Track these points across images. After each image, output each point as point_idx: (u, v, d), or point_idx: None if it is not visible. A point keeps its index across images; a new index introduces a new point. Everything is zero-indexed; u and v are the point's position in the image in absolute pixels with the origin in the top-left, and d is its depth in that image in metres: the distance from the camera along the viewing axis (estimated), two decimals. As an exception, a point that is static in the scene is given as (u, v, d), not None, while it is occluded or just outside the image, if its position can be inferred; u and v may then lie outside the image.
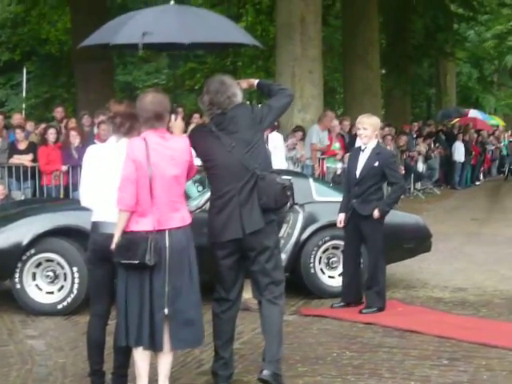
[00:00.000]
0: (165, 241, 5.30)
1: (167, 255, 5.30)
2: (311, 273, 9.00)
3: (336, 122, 16.42)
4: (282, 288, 5.88)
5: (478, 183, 28.43)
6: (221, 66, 29.70)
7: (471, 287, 9.84)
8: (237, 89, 5.85)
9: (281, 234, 8.76)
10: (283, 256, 8.83)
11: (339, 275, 9.12)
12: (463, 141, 26.08)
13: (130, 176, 5.30)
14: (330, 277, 9.19)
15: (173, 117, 5.85)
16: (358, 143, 9.74)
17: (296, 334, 7.48)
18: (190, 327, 5.39)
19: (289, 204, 9.03)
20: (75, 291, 8.23)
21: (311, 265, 9.00)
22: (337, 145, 16.22)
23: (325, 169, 15.86)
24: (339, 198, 9.37)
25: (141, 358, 5.39)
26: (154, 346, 5.34)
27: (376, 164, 8.31)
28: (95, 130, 14.58)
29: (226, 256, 5.76)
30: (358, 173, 8.39)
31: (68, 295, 8.27)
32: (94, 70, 20.21)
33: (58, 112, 15.65)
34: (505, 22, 38.23)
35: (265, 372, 5.60)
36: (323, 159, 15.88)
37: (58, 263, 8.30)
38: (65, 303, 8.27)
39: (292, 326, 7.79)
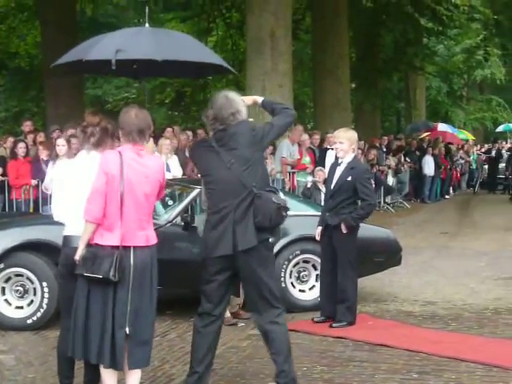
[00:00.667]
0: (129, 258, 5.28)
1: (131, 273, 5.27)
2: (282, 287, 9.00)
3: (306, 136, 16.50)
4: (281, 306, 5.95)
5: (447, 197, 28.60)
6: (191, 80, 29.71)
7: (441, 301, 9.88)
8: (241, 106, 5.88)
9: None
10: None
11: (309, 289, 9.15)
12: (433, 155, 26.24)
13: (99, 188, 5.28)
14: (300, 290, 9.20)
15: None
16: (329, 157, 9.84)
17: (265, 349, 7.45)
18: (145, 347, 5.40)
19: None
20: (45, 306, 8.18)
21: (282, 279, 9.00)
22: (307, 159, 16.28)
23: (295, 183, 15.90)
24: (309, 211, 9.44)
25: (107, 375, 5.36)
26: (115, 365, 5.30)
27: (349, 178, 8.34)
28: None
29: (217, 272, 5.78)
30: (332, 186, 8.48)
31: (37, 310, 8.20)
32: (64, 84, 20.13)
33: (27, 126, 15.56)
34: (474, 37, 38.49)
35: None
36: (293, 173, 15.92)
37: (28, 278, 8.24)
38: (34, 318, 8.20)
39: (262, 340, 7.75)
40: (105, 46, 7.07)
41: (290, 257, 9.08)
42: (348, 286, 8.31)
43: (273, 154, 15.30)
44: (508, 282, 11.32)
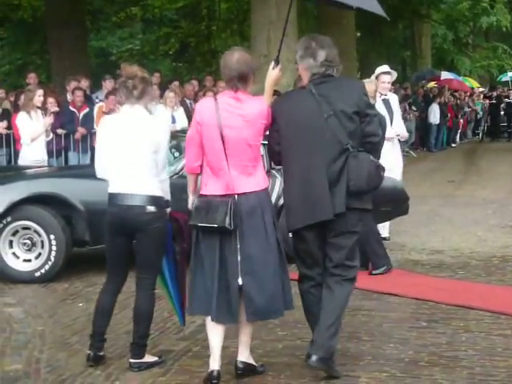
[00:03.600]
0: (235, 206, 5.10)
1: (238, 221, 5.10)
2: (289, 237, 8.96)
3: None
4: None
5: (453, 145, 28.54)
6: (195, 31, 29.55)
7: (448, 249, 9.90)
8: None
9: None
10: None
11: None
12: (439, 103, 26.12)
13: (190, 138, 5.25)
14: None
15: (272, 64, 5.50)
16: None
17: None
18: (264, 298, 5.17)
19: (266, 168, 9.07)
20: (53, 259, 8.21)
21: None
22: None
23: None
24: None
25: (211, 330, 5.27)
26: (230, 318, 5.20)
27: None
28: (69, 97, 14.47)
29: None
30: None
31: (45, 263, 8.23)
32: (68, 35, 19.98)
33: (31, 78, 15.50)
34: (480, -16, 38.15)
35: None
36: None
37: (35, 231, 8.26)
38: (42, 271, 8.24)
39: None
40: None
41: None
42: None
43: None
44: (515, 230, 11.33)
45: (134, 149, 5.37)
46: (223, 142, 5.11)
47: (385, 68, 10.37)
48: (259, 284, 5.14)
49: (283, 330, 6.46)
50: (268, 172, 8.88)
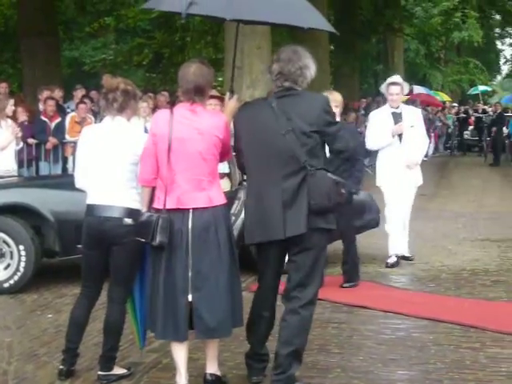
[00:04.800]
0: (187, 221, 5.05)
1: (189, 236, 5.05)
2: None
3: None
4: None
5: (425, 159, 28.61)
6: (169, 42, 29.50)
7: (419, 262, 9.94)
8: (310, 61, 5.28)
9: (232, 211, 8.75)
10: (234, 233, 8.84)
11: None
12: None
13: (146, 150, 5.19)
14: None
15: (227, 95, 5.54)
16: None
17: (246, 311, 7.45)
18: (216, 314, 5.11)
19: (239, 180, 9.07)
20: (22, 269, 8.14)
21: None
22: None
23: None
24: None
25: (174, 345, 5.22)
26: (177, 336, 5.14)
27: None
28: (41, 107, 14.41)
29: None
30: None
31: (14, 273, 8.17)
32: (40, 45, 19.91)
33: (2, 87, 15.42)
34: (451, -1, 38.52)
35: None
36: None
37: (4, 241, 8.19)
38: (11, 281, 8.17)
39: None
40: None
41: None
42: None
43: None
44: (485, 244, 11.40)
45: (113, 160, 5.36)
46: (173, 154, 5.06)
47: (393, 78, 9.83)
48: (209, 302, 5.09)
49: (253, 343, 6.44)
50: (240, 184, 8.93)
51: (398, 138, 9.43)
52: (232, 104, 5.47)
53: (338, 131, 5.29)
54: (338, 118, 8.17)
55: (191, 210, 5.06)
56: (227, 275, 5.14)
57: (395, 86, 9.49)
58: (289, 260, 5.33)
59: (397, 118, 9.49)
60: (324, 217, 5.16)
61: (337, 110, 8.07)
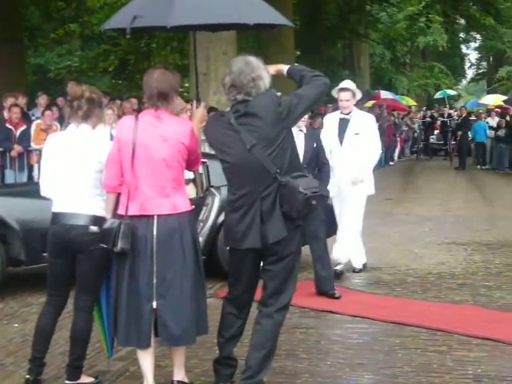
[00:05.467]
0: (152, 227, 5.02)
1: (154, 243, 5.02)
2: (228, 255, 8.98)
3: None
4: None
5: (391, 164, 28.87)
6: (135, 48, 29.43)
7: (385, 266, 9.99)
8: (263, 71, 5.15)
9: (200, 218, 8.75)
10: (200, 239, 8.83)
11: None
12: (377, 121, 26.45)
13: (111, 156, 5.15)
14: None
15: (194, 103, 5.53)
16: None
17: (213, 317, 7.38)
18: (181, 322, 5.08)
19: (205, 186, 9.07)
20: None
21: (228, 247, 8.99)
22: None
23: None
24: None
25: (140, 353, 5.19)
26: (140, 343, 5.11)
27: (315, 145, 8.22)
28: (5, 114, 14.31)
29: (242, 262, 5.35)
30: (301, 157, 8.04)
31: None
32: (5, 52, 19.75)
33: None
34: (416, 4, 38.75)
35: None
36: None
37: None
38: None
39: (209, 308, 7.71)
40: (125, 11, 6.72)
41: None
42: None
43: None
44: (451, 247, 11.50)
45: (78, 168, 5.32)
46: (136, 160, 5.04)
47: (343, 84, 9.41)
48: (174, 309, 5.06)
49: (221, 349, 6.44)
50: (207, 190, 8.93)
51: (338, 144, 9.19)
52: (199, 112, 5.46)
53: (298, 100, 5.14)
54: (304, 124, 8.28)
55: (156, 217, 5.04)
56: (192, 282, 5.11)
57: (345, 92, 9.15)
58: (264, 269, 5.30)
59: (343, 124, 9.21)
60: (295, 223, 5.16)
61: (305, 118, 8.15)
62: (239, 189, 5.12)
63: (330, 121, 9.51)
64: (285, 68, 5.46)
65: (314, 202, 5.06)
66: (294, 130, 7.97)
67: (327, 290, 8.27)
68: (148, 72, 5.24)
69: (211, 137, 5.26)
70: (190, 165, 5.30)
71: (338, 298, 8.18)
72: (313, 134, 8.32)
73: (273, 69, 5.42)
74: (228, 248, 5.49)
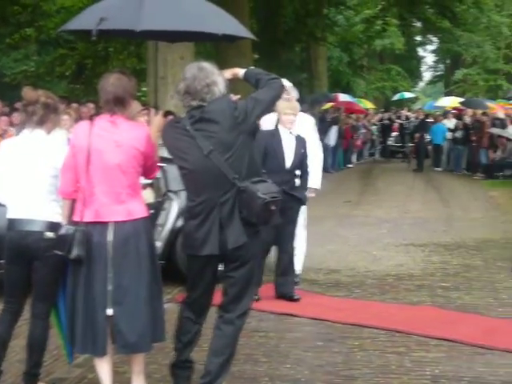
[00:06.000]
0: (106, 234, 4.98)
1: (109, 250, 4.97)
2: (186, 260, 8.96)
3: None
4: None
5: (350, 166, 29.01)
6: (92, 52, 29.23)
7: (344, 268, 10.03)
8: (217, 76, 5.10)
9: (158, 222, 8.72)
10: (158, 244, 8.81)
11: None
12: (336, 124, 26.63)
13: (66, 162, 5.10)
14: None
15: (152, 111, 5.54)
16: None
17: (171, 322, 7.39)
18: (137, 329, 5.01)
19: (163, 190, 9.04)
20: None
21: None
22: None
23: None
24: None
25: (97, 361, 5.15)
26: (95, 350, 5.06)
27: (303, 150, 8.17)
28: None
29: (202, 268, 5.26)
30: (291, 160, 8.05)
31: None
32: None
33: None
34: (373, 7, 39.02)
35: None
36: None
37: None
38: None
39: (168, 313, 7.69)
40: (91, 13, 6.66)
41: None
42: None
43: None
44: (409, 249, 11.58)
45: (33, 174, 5.26)
46: (91, 166, 5.00)
47: None
48: (129, 316, 5.01)
49: (180, 354, 6.42)
50: (165, 195, 8.90)
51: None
52: (157, 120, 5.45)
53: (254, 104, 5.10)
54: (294, 127, 8.11)
55: (111, 224, 5.00)
56: (148, 289, 5.07)
57: None
58: (225, 276, 5.25)
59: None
60: (254, 228, 5.12)
61: (294, 118, 8.07)
62: (198, 195, 5.06)
63: (266, 122, 9.23)
64: (241, 72, 5.42)
65: (273, 208, 5.00)
66: (284, 132, 8.07)
67: (287, 292, 8.28)
68: (104, 77, 5.19)
69: (168, 143, 5.18)
70: (147, 171, 5.25)
71: (297, 300, 8.19)
72: (301, 140, 8.21)
73: (229, 73, 5.38)
74: (187, 256, 5.37)
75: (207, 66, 5.12)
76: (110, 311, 5.00)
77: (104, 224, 5.00)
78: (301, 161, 8.17)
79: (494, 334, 7.05)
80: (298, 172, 8.20)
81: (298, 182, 8.23)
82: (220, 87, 5.07)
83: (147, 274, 5.07)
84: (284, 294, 8.28)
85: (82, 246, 4.95)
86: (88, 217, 5.01)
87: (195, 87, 5.00)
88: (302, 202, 8.37)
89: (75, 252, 4.95)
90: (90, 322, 5.01)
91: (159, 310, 5.23)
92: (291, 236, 8.38)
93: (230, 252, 5.07)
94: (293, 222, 8.28)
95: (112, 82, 5.09)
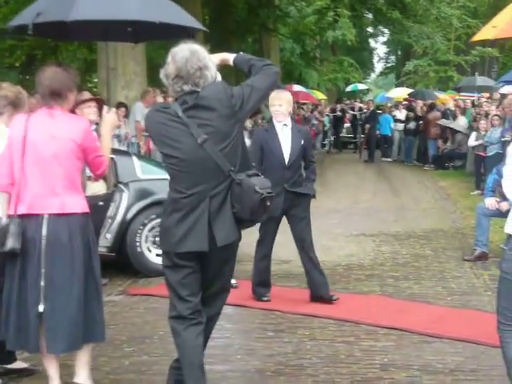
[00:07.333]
0: (40, 228, 4.88)
1: (42, 244, 4.88)
2: (138, 252, 8.97)
3: (161, 99, 16.35)
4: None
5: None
6: (41, 43, 28.92)
7: (295, 259, 9.98)
8: (209, 60, 4.73)
9: (108, 214, 8.68)
10: (109, 236, 8.78)
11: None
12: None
13: (2, 154, 5.04)
14: (157, 255, 9.16)
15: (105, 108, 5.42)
16: None
17: (123, 315, 7.44)
18: (67, 328, 4.90)
19: (113, 182, 8.99)
20: None
21: (138, 243, 8.97)
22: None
23: (151, 146, 15.76)
24: (164, 175, 9.39)
25: (44, 356, 5.07)
26: (27, 347, 5.01)
27: (302, 142, 7.88)
28: None
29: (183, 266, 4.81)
30: (288, 154, 7.79)
31: None
32: None
33: None
34: (324, -2, 39.13)
35: None
36: (149, 136, 15.73)
37: None
38: None
39: (119, 306, 7.74)
40: (30, 9, 6.64)
41: (146, 221, 9.04)
42: None
43: (126, 117, 15.09)
44: (359, 239, 11.67)
45: None
46: (26, 158, 4.94)
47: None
48: (60, 313, 4.90)
49: (130, 346, 6.42)
50: (115, 186, 8.86)
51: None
52: (110, 118, 5.38)
53: (251, 91, 4.76)
54: (284, 118, 7.82)
55: (45, 217, 4.91)
56: (82, 287, 4.95)
57: None
58: (206, 273, 4.89)
59: None
60: (243, 225, 4.82)
61: (281, 109, 7.74)
62: (188, 187, 4.65)
63: None
64: (230, 57, 5.06)
65: (268, 204, 4.69)
66: (278, 124, 7.81)
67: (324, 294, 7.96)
68: (40, 70, 5.15)
69: (154, 130, 4.77)
70: (92, 166, 5.16)
71: (336, 300, 7.89)
72: (300, 131, 8.04)
73: (217, 58, 5.01)
74: (163, 253, 4.91)
75: (198, 48, 4.76)
76: (41, 307, 4.91)
77: (38, 217, 4.92)
78: (302, 153, 7.87)
79: (442, 322, 7.14)
80: (301, 165, 7.98)
81: (303, 175, 8.00)
82: (212, 72, 4.72)
83: (82, 272, 4.95)
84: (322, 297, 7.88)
85: (15, 238, 4.87)
86: (22, 209, 4.95)
87: (188, 70, 4.63)
88: (309, 196, 8.08)
89: (9, 245, 4.86)
90: (23, 318, 4.93)
91: (96, 310, 5.09)
92: (308, 234, 8.16)
93: (216, 250, 4.69)
94: (305, 220, 8.05)
95: (48, 76, 5.05)
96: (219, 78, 4.84)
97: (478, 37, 8.42)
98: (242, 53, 5.22)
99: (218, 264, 4.84)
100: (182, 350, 4.88)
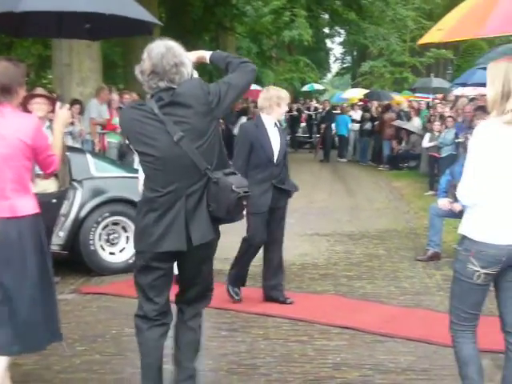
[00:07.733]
0: None
1: None
2: (91, 250, 8.90)
3: (116, 96, 16.24)
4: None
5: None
6: (-5, 39, 28.62)
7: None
8: (185, 57, 4.66)
9: (61, 212, 8.60)
10: (61, 234, 8.70)
11: (120, 251, 9.11)
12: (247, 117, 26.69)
13: None
14: (110, 253, 9.12)
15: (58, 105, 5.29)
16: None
17: (75, 313, 7.38)
18: (6, 329, 4.77)
19: (68, 180, 8.92)
20: None
21: (91, 242, 8.90)
22: (117, 119, 16.03)
23: (106, 143, 15.66)
24: (119, 173, 9.34)
25: None
26: None
27: (285, 141, 7.95)
28: None
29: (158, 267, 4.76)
30: (277, 151, 7.67)
31: None
32: None
33: None
34: (281, -2, 39.21)
35: None
36: (104, 134, 15.65)
37: None
38: None
39: (71, 304, 7.68)
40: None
41: (99, 219, 8.98)
42: None
43: (81, 113, 14.97)
44: (314, 238, 11.70)
45: None
46: None
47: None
48: (11, 315, 4.79)
49: (82, 345, 6.37)
50: (70, 184, 8.79)
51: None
52: (63, 114, 5.25)
53: (228, 88, 4.70)
54: (282, 116, 7.90)
55: None
56: (34, 288, 4.85)
57: None
58: (184, 274, 4.94)
59: None
60: (219, 223, 4.76)
61: (280, 107, 7.66)
62: (163, 185, 4.55)
63: None
64: (207, 54, 5.04)
65: (244, 203, 4.64)
66: (269, 123, 7.68)
67: (278, 296, 7.94)
68: None
69: (128, 128, 4.66)
70: (42, 166, 5.02)
71: (290, 303, 7.83)
72: (281, 129, 7.97)
73: (194, 56, 4.96)
74: (138, 253, 4.79)
75: (174, 45, 4.68)
76: None
77: None
78: (284, 152, 7.84)
79: (394, 322, 7.18)
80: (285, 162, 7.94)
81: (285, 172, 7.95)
82: (188, 69, 4.65)
83: (34, 274, 4.84)
84: (275, 299, 7.90)
85: None
86: None
87: (163, 67, 4.56)
88: (290, 194, 8.00)
89: None
90: None
91: (51, 310, 5.01)
92: (282, 234, 8.04)
93: (192, 249, 4.62)
94: (284, 219, 7.95)
95: None
96: (196, 75, 4.80)
97: (424, 39, 8.45)
98: (218, 50, 5.19)
99: (196, 263, 4.82)
100: (142, 349, 4.86)
